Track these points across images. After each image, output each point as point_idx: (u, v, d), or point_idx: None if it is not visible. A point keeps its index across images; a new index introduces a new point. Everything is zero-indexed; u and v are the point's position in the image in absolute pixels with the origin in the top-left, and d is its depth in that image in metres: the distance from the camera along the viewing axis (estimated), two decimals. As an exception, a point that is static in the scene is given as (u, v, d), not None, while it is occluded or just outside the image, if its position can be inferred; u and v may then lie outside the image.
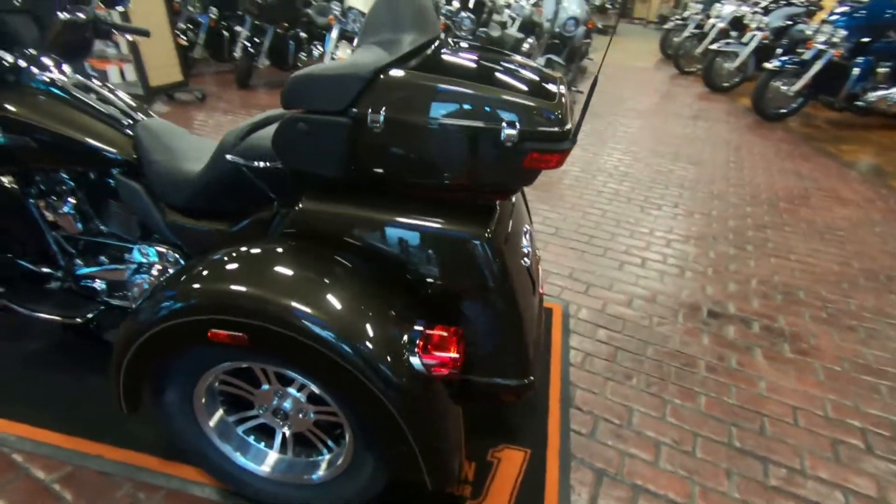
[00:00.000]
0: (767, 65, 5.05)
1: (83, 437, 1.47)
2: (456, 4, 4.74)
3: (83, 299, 1.68)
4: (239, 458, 1.23)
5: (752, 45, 5.97)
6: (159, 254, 1.54)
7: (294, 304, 0.96)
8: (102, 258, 1.64)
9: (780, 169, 3.97)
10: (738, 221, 3.06)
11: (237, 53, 5.53)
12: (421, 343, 1.02)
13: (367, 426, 1.07)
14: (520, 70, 1.28)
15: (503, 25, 5.73)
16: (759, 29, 5.99)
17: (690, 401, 1.73)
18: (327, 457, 1.24)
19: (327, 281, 1.05)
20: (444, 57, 1.21)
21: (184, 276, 1.03)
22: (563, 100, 1.11)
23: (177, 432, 1.25)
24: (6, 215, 1.64)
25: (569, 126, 1.08)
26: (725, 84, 6.44)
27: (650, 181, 3.59)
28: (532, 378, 1.28)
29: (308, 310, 0.96)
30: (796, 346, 2.03)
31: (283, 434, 1.26)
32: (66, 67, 1.54)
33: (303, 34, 5.79)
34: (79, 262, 1.65)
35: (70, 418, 1.51)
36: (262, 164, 1.25)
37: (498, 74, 1.21)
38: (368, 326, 1.00)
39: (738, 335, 2.07)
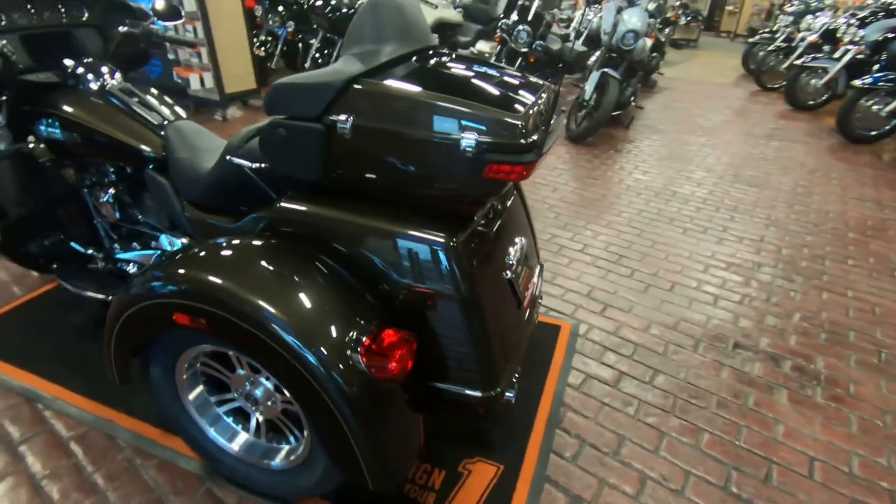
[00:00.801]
0: (857, 82, 4.59)
1: (101, 403, 1.64)
2: (514, 17, 4.75)
3: (119, 280, 1.88)
4: (212, 433, 1.32)
5: (845, 60, 5.44)
6: (182, 243, 1.70)
7: (247, 295, 1.03)
8: (136, 244, 1.84)
9: (858, 196, 3.58)
10: (793, 251, 2.80)
11: (307, 64, 5.90)
12: (365, 344, 1.04)
13: (314, 420, 1.12)
14: (501, 80, 1.29)
15: (564, 38, 5.67)
16: (853, 43, 5.45)
17: (691, 437, 1.62)
18: (286, 447, 1.31)
19: (288, 277, 1.11)
20: (426, 67, 1.24)
21: (163, 263, 1.14)
22: (532, 111, 1.11)
23: (161, 404, 1.36)
24: (65, 202, 1.88)
25: (534, 138, 1.07)
26: (810, 102, 5.92)
27: (700, 202, 3.38)
28: (498, 391, 1.27)
29: (259, 301, 1.02)
30: (830, 392, 1.83)
31: (257, 419, 1.34)
32: (117, 75, 1.75)
33: (369, 46, 6.06)
34: (117, 246, 1.85)
35: (95, 385, 1.69)
36: (260, 165, 1.35)
37: (473, 85, 1.22)
38: (317, 323, 1.05)
39: (763, 373, 1.90)
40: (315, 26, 6.01)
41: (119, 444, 1.52)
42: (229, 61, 4.90)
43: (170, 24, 1.99)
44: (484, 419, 1.64)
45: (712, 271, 2.57)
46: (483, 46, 5.83)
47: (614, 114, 4.68)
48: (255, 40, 6.36)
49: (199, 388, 1.34)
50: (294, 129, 1.17)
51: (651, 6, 6.74)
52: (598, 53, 4.72)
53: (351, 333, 1.06)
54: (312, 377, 1.02)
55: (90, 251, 1.90)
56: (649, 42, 4.94)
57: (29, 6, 1.65)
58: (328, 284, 1.13)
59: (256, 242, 1.18)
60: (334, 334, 1.05)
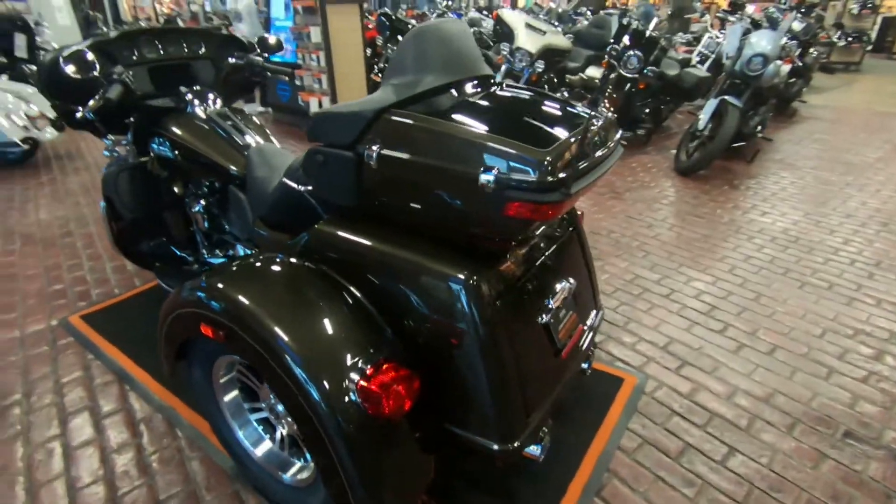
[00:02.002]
0: None
1: (171, 392, 1.82)
2: (625, 42, 4.52)
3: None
4: (240, 436, 1.39)
5: None
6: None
7: (259, 314, 1.07)
8: (220, 252, 2.03)
9: None
10: (954, 323, 2.24)
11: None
12: (363, 379, 1.02)
13: (311, 450, 1.12)
14: (542, 112, 1.21)
15: (684, 63, 5.26)
16: None
17: (763, 539, 1.34)
18: (299, 464, 1.32)
19: (306, 302, 1.13)
20: (463, 98, 1.20)
21: (205, 275, 1.24)
22: (567, 145, 1.02)
23: (199, 401, 1.47)
24: (170, 209, 2.15)
25: (561, 175, 0.98)
26: None
27: (830, 252, 2.87)
28: (516, 445, 1.17)
29: (268, 322, 1.06)
30: (980, 518, 1.40)
31: (281, 431, 1.39)
32: (219, 101, 1.98)
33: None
34: (205, 252, 2.07)
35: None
36: (310, 187, 1.42)
37: (508, 117, 1.16)
38: (321, 353, 1.05)
39: (881, 475, 1.52)
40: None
41: (177, 433, 1.67)
42: (346, 87, 5.32)
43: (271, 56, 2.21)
44: (512, 471, 1.52)
45: (831, 337, 2.14)
46: (593, 72, 5.64)
47: (735, 145, 4.21)
48: (374, 67, 6.86)
49: (234, 393, 1.42)
50: (329, 156, 1.21)
51: (797, 26, 6.01)
52: (719, 78, 4.31)
53: (352, 367, 1.04)
54: (309, 407, 1.02)
55: (185, 255, 2.15)
56: (785, 67, 4.38)
57: (158, 43, 1.94)
58: (344, 313, 1.14)
59: (288, 263, 1.23)
60: (336, 366, 1.04)
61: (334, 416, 1.00)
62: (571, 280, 1.42)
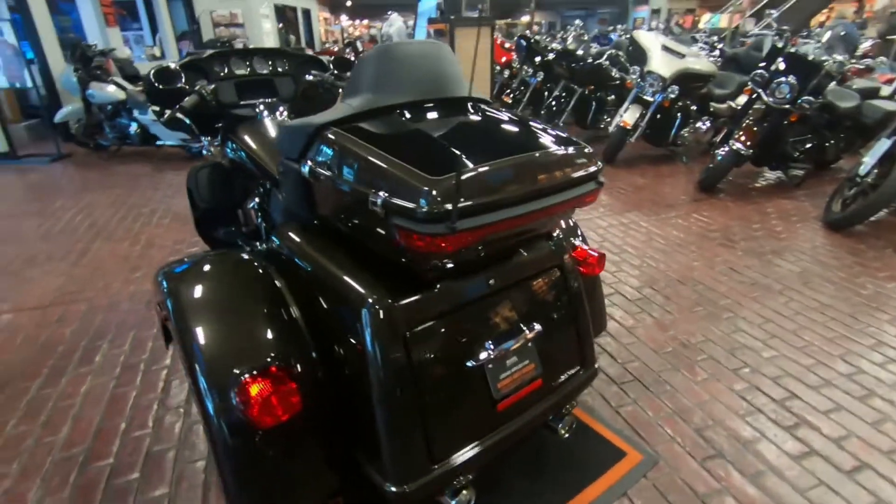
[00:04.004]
0: None
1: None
2: (779, 65, 3.84)
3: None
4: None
5: None
6: None
7: (184, 308, 1.15)
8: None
9: None
10: None
11: (543, 111, 6.10)
12: (245, 380, 1.03)
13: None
14: (492, 140, 1.11)
15: (869, 93, 4.29)
16: None
17: None
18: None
19: (235, 299, 1.19)
20: (404, 119, 1.17)
21: (174, 264, 1.37)
22: (468, 177, 0.92)
23: None
24: (240, 204, 2.46)
25: (448, 207, 0.90)
26: None
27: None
28: (410, 489, 1.09)
29: (187, 315, 1.13)
30: None
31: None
32: (286, 113, 2.21)
33: (611, 96, 5.88)
34: (260, 244, 2.32)
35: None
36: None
37: (432, 141, 1.09)
38: (219, 349, 1.09)
39: None
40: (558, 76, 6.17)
41: (190, 397, 1.90)
42: (467, 106, 5.48)
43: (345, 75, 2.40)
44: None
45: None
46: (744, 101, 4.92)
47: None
48: (507, 88, 6.95)
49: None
50: (286, 168, 1.28)
51: None
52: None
53: (243, 368, 1.05)
54: (196, 393, 1.07)
55: (250, 245, 2.44)
56: None
57: (246, 62, 2.25)
58: (264, 315, 1.17)
59: (242, 263, 1.31)
60: (222, 366, 1.06)
61: (215, 409, 1.05)
62: (537, 327, 1.27)
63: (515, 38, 7.30)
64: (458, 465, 1.14)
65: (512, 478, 1.51)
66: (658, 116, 4.85)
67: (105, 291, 2.69)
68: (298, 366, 1.12)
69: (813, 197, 4.06)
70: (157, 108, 2.04)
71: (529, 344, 1.26)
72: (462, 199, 0.91)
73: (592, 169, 1.14)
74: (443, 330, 1.13)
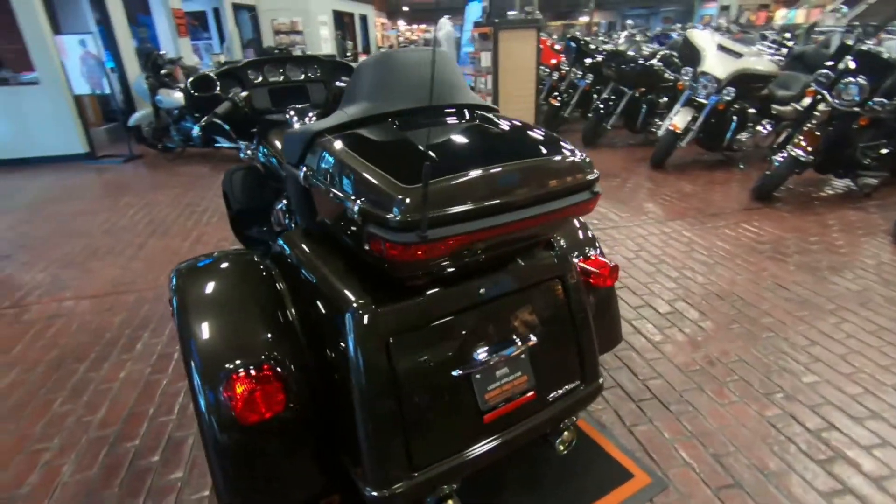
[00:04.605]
0: None
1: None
2: (848, 64, 3.52)
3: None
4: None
5: None
6: None
7: (183, 302, 1.22)
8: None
9: None
10: None
11: (590, 113, 5.94)
12: (235, 379, 1.08)
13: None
14: (483, 149, 1.10)
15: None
16: None
17: None
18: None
19: (236, 299, 1.25)
20: (396, 126, 1.18)
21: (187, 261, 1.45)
22: (436, 186, 0.92)
23: None
24: (272, 206, 2.57)
25: (419, 216, 0.90)
26: None
27: None
28: (392, 496, 1.10)
29: (186, 309, 1.20)
30: None
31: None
32: (314, 118, 2.29)
33: (663, 98, 5.64)
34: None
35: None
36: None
37: (411, 150, 1.09)
38: (213, 345, 1.14)
39: None
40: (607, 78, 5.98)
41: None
42: (511, 109, 5.45)
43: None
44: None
45: None
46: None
47: None
48: (555, 91, 6.83)
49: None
50: (288, 174, 1.32)
51: None
52: None
53: (235, 365, 1.09)
54: (194, 399, 1.13)
55: (279, 244, 2.54)
56: None
57: (280, 69, 2.35)
58: (260, 315, 1.22)
59: (250, 263, 1.37)
60: (215, 363, 1.10)
61: (205, 403, 1.10)
62: (533, 338, 1.24)
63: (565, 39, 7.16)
64: (439, 474, 1.13)
65: (507, 490, 1.48)
66: (712, 120, 4.59)
67: (153, 284, 2.90)
68: (288, 367, 1.16)
69: (885, 209, 3.70)
70: (197, 115, 2.17)
71: (523, 356, 1.24)
72: (433, 209, 0.91)
73: (584, 178, 1.10)
74: (429, 338, 1.13)
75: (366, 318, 1.06)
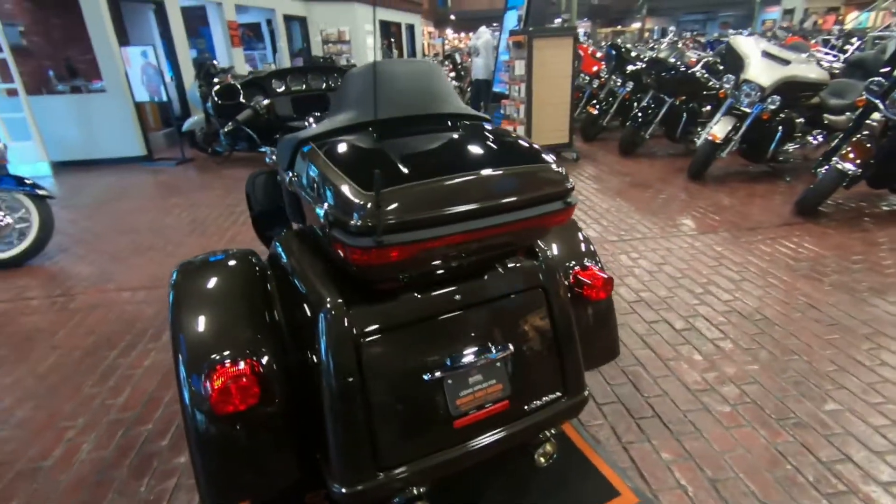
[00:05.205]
0: None
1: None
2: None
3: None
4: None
5: None
6: None
7: (177, 298, 1.29)
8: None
9: None
10: None
11: (628, 122, 5.80)
12: (214, 370, 1.14)
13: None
14: (459, 158, 1.12)
15: None
16: None
17: None
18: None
19: (227, 296, 1.32)
20: (377, 134, 1.21)
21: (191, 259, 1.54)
22: (391, 192, 0.95)
23: None
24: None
25: (375, 221, 0.93)
26: None
27: None
28: (356, 493, 1.13)
29: (178, 305, 1.27)
30: None
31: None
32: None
33: (706, 107, 5.44)
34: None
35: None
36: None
37: (383, 157, 1.12)
38: (198, 340, 1.20)
39: None
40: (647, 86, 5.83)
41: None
42: (544, 116, 5.40)
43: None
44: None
45: None
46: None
47: None
48: (594, 99, 6.73)
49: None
50: (282, 178, 1.39)
51: None
52: None
53: (219, 357, 1.15)
54: (179, 389, 1.20)
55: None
56: None
57: (304, 79, 2.46)
58: (249, 315, 1.28)
59: (247, 263, 1.44)
60: (200, 353, 1.16)
61: (188, 394, 1.17)
62: (511, 347, 1.25)
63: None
64: (407, 475, 1.15)
65: (487, 498, 1.48)
66: (755, 130, 4.38)
67: (186, 279, 3.08)
68: (270, 363, 1.21)
69: (946, 227, 3.40)
70: (221, 120, 2.31)
71: (498, 364, 1.24)
72: (393, 216, 0.94)
73: (555, 190, 1.09)
74: (401, 341, 1.16)
75: (337, 318, 1.10)
